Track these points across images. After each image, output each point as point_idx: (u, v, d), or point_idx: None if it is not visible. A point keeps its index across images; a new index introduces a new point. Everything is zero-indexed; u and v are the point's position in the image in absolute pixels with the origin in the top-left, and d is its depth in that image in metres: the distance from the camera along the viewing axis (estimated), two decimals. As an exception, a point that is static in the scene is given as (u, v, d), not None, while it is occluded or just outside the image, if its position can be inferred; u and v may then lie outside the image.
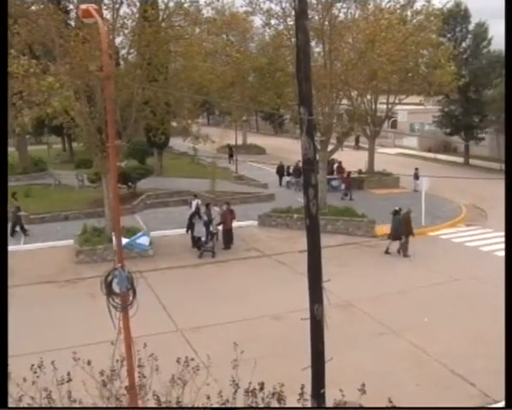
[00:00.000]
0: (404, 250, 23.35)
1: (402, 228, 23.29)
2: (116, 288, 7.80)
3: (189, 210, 26.06)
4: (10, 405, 7.31)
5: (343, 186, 36.06)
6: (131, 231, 23.82)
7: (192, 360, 7.97)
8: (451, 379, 12.84)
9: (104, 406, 7.74)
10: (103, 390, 7.70)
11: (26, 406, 7.63)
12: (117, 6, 22.50)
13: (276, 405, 7.52)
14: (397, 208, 24.29)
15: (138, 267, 19.90)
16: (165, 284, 19.92)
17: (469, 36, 49.20)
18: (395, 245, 23.57)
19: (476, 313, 16.81)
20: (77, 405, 7.72)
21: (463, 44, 48.87)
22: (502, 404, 11.54)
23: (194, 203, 26.51)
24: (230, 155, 50.15)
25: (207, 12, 26.09)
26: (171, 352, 9.76)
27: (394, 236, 23.58)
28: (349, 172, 37.44)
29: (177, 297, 18.32)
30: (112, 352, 7.86)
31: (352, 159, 44.09)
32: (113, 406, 7.75)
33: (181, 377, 7.70)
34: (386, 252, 23.65)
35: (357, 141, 58.40)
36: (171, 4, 23.34)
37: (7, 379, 6.86)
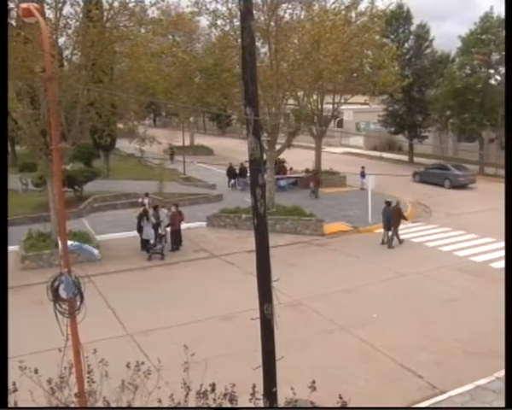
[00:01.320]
0: (389, 241, 24.61)
1: (393, 219, 24.67)
2: (63, 293, 7.66)
3: (138, 212, 25.82)
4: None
5: (311, 185, 36.75)
6: (79, 236, 23.49)
7: (143, 363, 7.88)
8: (400, 372, 13.09)
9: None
10: (51, 399, 7.55)
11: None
12: (60, 5, 22.03)
13: (229, 405, 7.52)
14: (388, 200, 25.91)
15: (86, 272, 19.57)
16: (113, 287, 19.65)
17: (412, 37, 50.36)
18: (389, 235, 24.89)
19: (422, 307, 17.20)
20: None
21: (406, 45, 49.95)
22: (448, 394, 11.87)
23: (146, 201, 26.46)
24: (171, 156, 50.17)
25: (153, 12, 25.85)
26: (121, 357, 9.64)
27: (386, 226, 24.95)
28: (316, 171, 38.02)
29: (127, 301, 18.10)
30: (60, 359, 7.71)
31: (300, 158, 44.50)
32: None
33: (131, 381, 7.61)
34: (383, 243, 24.94)
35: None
36: (116, 4, 23.04)
37: (7, 379, 6.79)
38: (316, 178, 37.16)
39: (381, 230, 26.74)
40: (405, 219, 25.33)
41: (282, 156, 35.44)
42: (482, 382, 12.28)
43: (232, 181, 39.74)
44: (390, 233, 24.83)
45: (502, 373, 12.61)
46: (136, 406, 7.60)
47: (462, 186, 39.33)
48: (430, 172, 42.03)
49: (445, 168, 41.61)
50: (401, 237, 25.20)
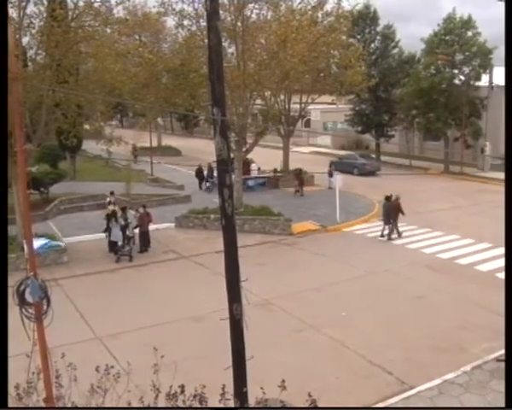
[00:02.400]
0: (389, 234, 25.71)
1: (392, 213, 25.76)
2: (29, 297, 7.53)
3: (105, 213, 25.61)
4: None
5: (295, 184, 37.69)
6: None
7: (112, 367, 7.81)
8: (370, 369, 13.21)
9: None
10: (19, 405, 7.43)
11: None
12: (23, 4, 21.72)
13: (198, 406, 7.51)
14: (388, 195, 26.80)
15: (53, 275, 19.38)
16: (81, 291, 19.43)
17: (378, 37, 50.84)
18: (388, 228, 26.01)
19: (391, 304, 17.39)
20: None
21: (373, 45, 50.44)
22: (417, 389, 12.02)
23: (112, 199, 26.42)
24: (135, 156, 49.96)
25: (118, 12, 25.66)
26: (90, 360, 9.53)
27: (386, 220, 26.00)
28: (300, 170, 38.42)
29: (95, 304, 17.91)
30: (27, 364, 7.59)
31: (268, 158, 44.61)
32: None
33: (101, 385, 7.53)
34: (382, 236, 25.96)
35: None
36: (81, 4, 22.80)
37: (7, 379, 6.67)
38: (300, 177, 37.57)
39: (350, 228, 27.08)
40: (403, 213, 26.04)
41: (249, 156, 35.45)
42: (450, 376, 12.47)
43: (206, 183, 39.35)
44: (388, 226, 25.95)
45: (468, 367, 12.86)
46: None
47: (368, 173, 45.24)
48: (343, 162, 46.82)
49: (354, 158, 47.72)
50: (400, 230, 26.32)
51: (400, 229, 26.82)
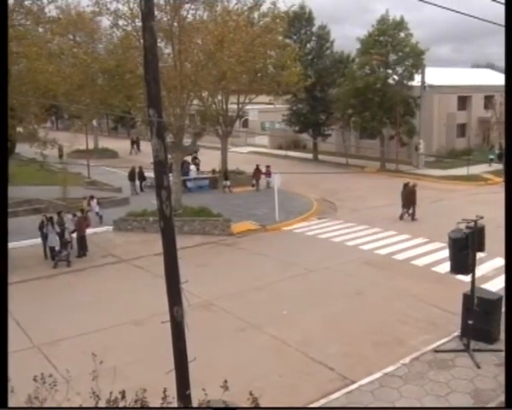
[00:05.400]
0: (412, 216, 28.89)
1: (411, 197, 28.68)
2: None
3: (41, 219, 25.01)
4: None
5: (253, 181, 39.49)
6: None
7: (50, 375, 7.62)
8: (312, 366, 13.35)
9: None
10: None
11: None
12: None
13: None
14: (406, 182, 30.16)
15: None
16: (17, 298, 18.73)
17: (313, 38, 51.44)
18: (406, 211, 28.96)
19: (331, 301, 17.63)
20: None
21: (308, 46, 51.06)
22: (359, 384, 12.22)
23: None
24: (60, 156, 49.21)
25: (50, 11, 25.10)
26: (27, 370, 9.28)
27: (404, 204, 28.82)
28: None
29: (32, 311, 17.45)
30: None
31: (206, 158, 44.56)
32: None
33: (38, 395, 7.33)
34: (401, 218, 28.91)
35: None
36: (11, 1, 22.18)
37: (7, 379, 6.52)
38: (258, 173, 39.27)
39: (289, 227, 27.44)
40: (415, 203, 28.94)
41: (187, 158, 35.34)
42: (389, 369, 12.73)
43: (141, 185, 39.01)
44: (408, 210, 28.89)
45: (407, 360, 13.17)
46: None
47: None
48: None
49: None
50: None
51: (335, 227, 27.43)
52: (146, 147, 62.72)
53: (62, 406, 7.58)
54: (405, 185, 29.69)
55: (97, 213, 28.83)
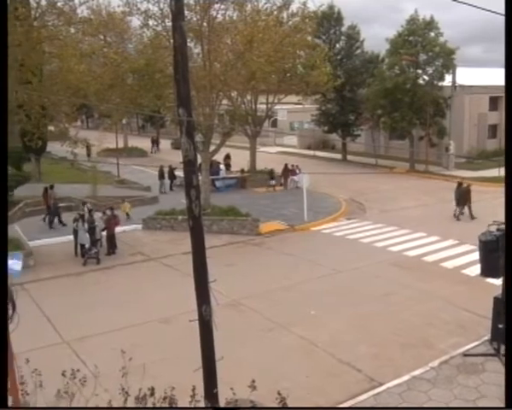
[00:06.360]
0: (470, 215, 28.69)
1: (464, 197, 28.82)
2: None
3: (72, 216, 25.33)
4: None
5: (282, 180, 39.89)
6: (10, 242, 22.73)
7: (78, 371, 7.71)
8: (339, 367, 13.28)
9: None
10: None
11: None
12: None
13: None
14: (460, 181, 30.41)
15: (19, 279, 19.01)
16: (48, 294, 19.14)
17: (343, 38, 51.12)
18: (460, 210, 29.02)
19: (359, 302, 17.50)
20: None
21: (338, 46, 50.75)
22: (386, 386, 12.13)
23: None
24: (88, 155, 49.88)
25: (82, 12, 25.38)
26: (57, 365, 9.39)
27: (458, 203, 28.96)
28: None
29: (62, 307, 17.66)
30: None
31: (235, 159, 44.67)
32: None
33: (67, 390, 7.43)
34: (455, 216, 28.94)
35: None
36: (44, 3, 22.49)
37: (7, 379, 6.56)
38: (287, 173, 39.52)
39: (318, 227, 27.40)
40: (470, 201, 28.84)
41: (216, 157, 35.43)
42: (418, 372, 12.60)
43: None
44: (462, 209, 28.91)
45: (436, 363, 13.02)
46: None
47: None
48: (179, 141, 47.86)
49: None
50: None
51: (363, 228, 27.26)
52: (165, 145, 63.99)
53: (89, 402, 7.66)
54: (459, 184, 29.69)
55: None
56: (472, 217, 28.42)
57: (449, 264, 21.33)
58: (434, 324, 15.66)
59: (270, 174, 39.27)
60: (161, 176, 38.47)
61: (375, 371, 12.88)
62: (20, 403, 7.59)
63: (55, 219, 28.14)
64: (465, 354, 13.40)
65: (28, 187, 33.98)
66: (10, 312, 7.55)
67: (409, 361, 13.25)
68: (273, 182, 38.97)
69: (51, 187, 29.54)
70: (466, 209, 28.97)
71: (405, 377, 12.40)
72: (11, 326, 7.60)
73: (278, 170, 40.72)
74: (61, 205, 29.01)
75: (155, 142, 65.64)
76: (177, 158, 40.34)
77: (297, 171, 39.08)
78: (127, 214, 28.52)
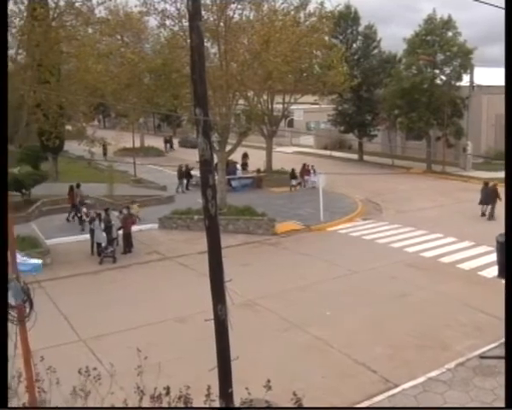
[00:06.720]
0: (491, 214, 28.59)
1: (490, 196, 28.75)
2: (11, 300, 7.46)
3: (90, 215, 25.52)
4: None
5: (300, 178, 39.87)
6: (27, 241, 22.97)
7: (95, 369, 7.75)
8: (354, 368, 13.24)
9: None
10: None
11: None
12: (3, 3, 21.49)
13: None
14: (486, 181, 30.45)
15: (35, 277, 19.18)
16: (65, 292, 19.29)
17: (360, 37, 50.93)
18: (489, 209, 28.81)
19: (375, 302, 17.43)
20: None
21: (354, 45, 50.57)
22: (402, 387, 12.07)
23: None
24: (104, 154, 50.17)
25: (100, 12, 25.54)
26: (73, 363, 9.45)
27: (484, 202, 29.18)
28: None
29: (79, 306, 17.78)
30: (8, 368, 7.51)
31: (251, 158, 44.67)
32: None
33: (83, 388, 7.47)
34: (483, 215, 29.03)
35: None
36: (62, 3, 22.65)
37: (7, 379, 6.61)
38: (304, 172, 39.76)
39: (334, 228, 27.34)
40: (500, 198, 27.50)
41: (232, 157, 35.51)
42: (433, 374, 12.53)
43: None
44: (492, 209, 28.67)
45: (452, 365, 12.94)
46: None
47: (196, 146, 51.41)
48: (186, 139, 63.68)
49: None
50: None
51: (380, 228, 27.16)
52: (177, 144, 64.59)
53: (105, 400, 7.70)
54: (486, 184, 29.69)
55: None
56: (491, 217, 28.18)
57: (466, 265, 21.18)
58: (451, 325, 15.56)
59: (292, 174, 39.23)
60: (181, 176, 38.58)
61: (391, 373, 12.83)
62: (37, 400, 7.65)
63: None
64: (481, 357, 13.30)
65: (45, 186, 34.28)
66: (27, 310, 7.61)
67: (424, 363, 13.17)
68: (294, 182, 38.96)
69: (78, 186, 29.87)
70: (488, 210, 28.80)
71: (421, 379, 12.34)
72: (28, 324, 7.67)
73: (295, 170, 40.70)
74: (87, 202, 29.17)
75: (168, 141, 66.52)
76: (193, 157, 40.56)
77: (311, 171, 39.05)
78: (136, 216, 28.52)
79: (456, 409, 11.15)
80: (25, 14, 22.19)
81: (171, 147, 65.78)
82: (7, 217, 7.10)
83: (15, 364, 7.63)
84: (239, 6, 28.18)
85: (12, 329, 7.50)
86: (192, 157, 40.65)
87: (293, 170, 39.66)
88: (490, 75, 50.19)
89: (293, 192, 37.79)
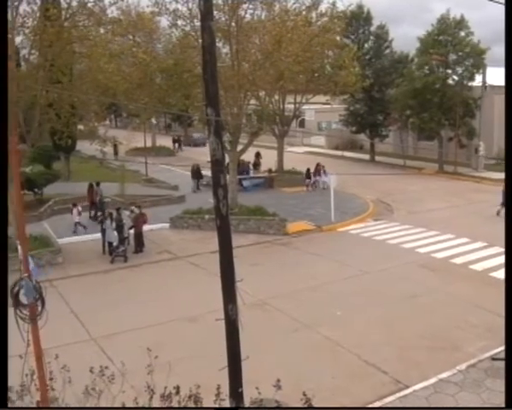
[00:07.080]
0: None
1: None
2: (23, 299, 7.51)
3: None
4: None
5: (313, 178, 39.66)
6: (39, 240, 23.09)
7: (106, 368, 7.79)
8: (365, 369, 13.21)
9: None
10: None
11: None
12: (16, 3, 21.62)
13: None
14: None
15: (47, 276, 19.31)
16: (76, 291, 19.38)
17: (371, 37, 50.78)
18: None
19: (386, 303, 17.38)
20: None
21: (366, 45, 50.41)
22: (413, 388, 12.03)
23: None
24: (116, 153, 50.68)
25: (112, 12, 25.61)
26: (85, 362, 9.50)
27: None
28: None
29: (90, 305, 17.85)
30: (21, 366, 7.56)
31: (263, 158, 44.66)
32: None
33: (95, 386, 7.51)
34: (498, 214, 28.06)
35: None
36: (74, 3, 22.74)
37: (7, 379, 6.67)
38: (318, 172, 39.57)
39: (345, 228, 27.31)
40: None
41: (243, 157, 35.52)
42: (445, 375, 12.47)
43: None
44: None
45: (463, 366, 12.87)
46: None
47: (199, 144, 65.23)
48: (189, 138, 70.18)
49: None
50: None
51: (391, 229, 27.13)
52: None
53: (116, 399, 7.73)
54: None
55: (79, 223, 26.91)
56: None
57: (477, 266, 21.06)
58: (462, 327, 15.49)
59: (307, 174, 39.19)
60: (194, 175, 38.63)
61: (402, 374, 12.78)
62: (49, 399, 7.70)
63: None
64: (493, 358, 13.22)
65: (57, 185, 34.46)
66: (39, 308, 7.66)
67: (436, 364, 13.11)
68: (309, 181, 38.94)
69: (97, 184, 30.08)
70: (502, 211, 28.58)
71: (432, 380, 12.29)
72: (40, 322, 7.71)
73: (310, 170, 40.66)
74: (106, 201, 29.35)
75: (177, 141, 67.00)
76: (202, 156, 40.69)
77: (322, 171, 38.96)
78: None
79: (456, 409, 11.10)
80: (37, 15, 22.29)
81: (180, 147, 66.03)
82: (7, 217, 7.16)
83: (28, 362, 7.69)
84: (251, 6, 28.20)
85: (24, 327, 7.55)
86: (202, 157, 40.83)
87: (308, 170, 39.60)
88: (502, 75, 49.78)
89: (303, 192, 37.73)
